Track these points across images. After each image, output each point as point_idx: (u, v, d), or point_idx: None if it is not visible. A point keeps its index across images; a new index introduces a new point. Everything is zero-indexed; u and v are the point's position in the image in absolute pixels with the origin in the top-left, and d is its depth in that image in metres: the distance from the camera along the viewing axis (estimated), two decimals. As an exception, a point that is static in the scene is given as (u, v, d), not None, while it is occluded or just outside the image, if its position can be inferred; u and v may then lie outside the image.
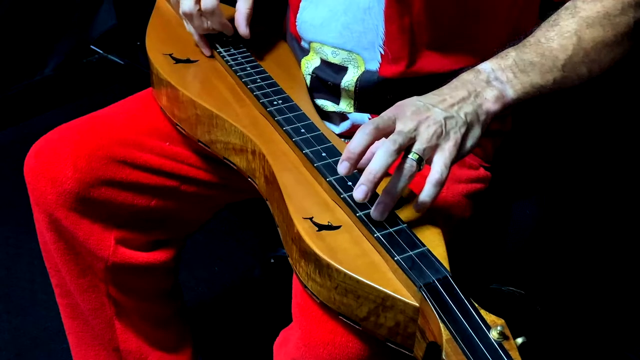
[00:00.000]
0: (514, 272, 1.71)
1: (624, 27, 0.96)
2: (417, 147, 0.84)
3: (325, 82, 1.11)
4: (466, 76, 0.91)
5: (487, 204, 1.18)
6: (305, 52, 1.14)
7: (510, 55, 0.92)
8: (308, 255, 0.83)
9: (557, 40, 0.94)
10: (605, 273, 1.70)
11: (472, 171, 1.12)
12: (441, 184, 0.84)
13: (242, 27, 1.13)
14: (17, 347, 1.64)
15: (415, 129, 0.84)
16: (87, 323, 1.25)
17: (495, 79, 0.90)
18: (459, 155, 0.86)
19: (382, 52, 1.06)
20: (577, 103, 1.44)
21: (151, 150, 1.15)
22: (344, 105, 1.12)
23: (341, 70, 1.09)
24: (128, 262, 1.18)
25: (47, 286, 1.27)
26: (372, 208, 0.84)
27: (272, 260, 1.69)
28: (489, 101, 0.89)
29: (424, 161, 0.84)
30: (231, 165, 1.07)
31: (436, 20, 1.04)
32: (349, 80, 1.08)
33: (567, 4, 0.98)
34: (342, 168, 0.84)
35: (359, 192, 0.83)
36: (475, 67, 0.92)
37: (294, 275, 0.91)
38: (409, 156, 0.83)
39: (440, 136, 0.85)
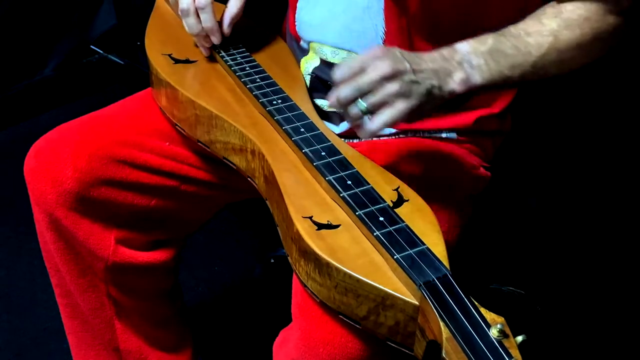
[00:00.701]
0: (514, 272, 1.70)
1: (602, 33, 0.98)
2: (372, 100, 0.88)
3: (325, 82, 1.11)
4: (445, 52, 0.94)
5: (487, 204, 1.18)
6: (305, 52, 1.14)
7: (487, 42, 0.95)
8: (308, 254, 0.83)
9: (535, 37, 0.96)
10: (605, 273, 1.70)
11: (472, 171, 1.13)
12: (373, 133, 0.90)
13: (225, 26, 1.14)
14: (17, 347, 1.64)
15: (382, 82, 0.88)
16: (87, 323, 1.25)
17: (467, 62, 0.93)
18: (403, 119, 0.90)
19: None
20: (577, 103, 1.44)
21: (151, 150, 1.15)
22: (344, 105, 1.12)
23: None
24: (128, 262, 1.18)
25: (47, 286, 1.27)
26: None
27: (272, 260, 1.69)
28: (455, 82, 0.92)
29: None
30: (231, 165, 1.07)
31: (434, 19, 1.04)
32: (349, 79, 1.08)
33: (553, 3, 0.99)
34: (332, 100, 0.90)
35: (343, 91, 0.89)
36: (454, 45, 0.95)
37: (294, 275, 0.91)
38: (358, 105, 0.89)
39: (401, 96, 0.88)
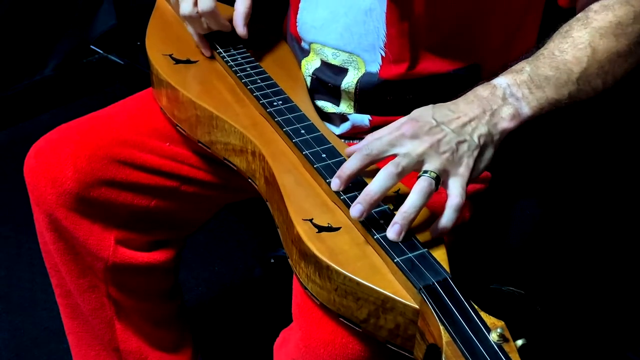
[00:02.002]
0: (514, 272, 1.70)
1: (636, 36, 0.94)
2: (431, 167, 0.83)
3: (326, 83, 1.11)
4: (482, 91, 0.90)
5: (487, 204, 1.18)
6: (306, 53, 1.14)
7: (525, 70, 0.91)
8: (308, 257, 0.83)
9: (571, 52, 0.92)
10: (605, 273, 1.70)
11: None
12: (461, 208, 0.83)
13: (240, 27, 1.13)
14: (17, 347, 1.64)
15: (425, 152, 0.83)
16: (87, 323, 1.25)
17: (511, 95, 0.89)
18: (471, 179, 0.86)
19: (383, 54, 1.05)
20: (577, 103, 1.44)
21: (151, 150, 1.15)
22: (344, 107, 1.11)
23: (341, 71, 1.09)
24: (128, 263, 1.18)
25: (47, 286, 1.27)
26: (388, 228, 0.82)
27: (272, 260, 1.69)
28: (505, 120, 0.88)
29: (440, 182, 0.84)
30: (231, 166, 1.06)
31: (437, 22, 1.03)
32: (349, 82, 1.08)
33: (579, 14, 0.96)
34: (334, 185, 0.86)
35: (355, 210, 0.82)
36: (491, 81, 0.91)
37: (294, 276, 0.91)
38: (426, 175, 0.83)
39: (453, 161, 0.84)
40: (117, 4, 2.42)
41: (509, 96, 0.89)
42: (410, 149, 0.84)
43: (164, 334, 1.33)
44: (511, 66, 0.93)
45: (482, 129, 0.87)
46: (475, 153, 0.86)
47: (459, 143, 0.85)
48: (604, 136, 1.54)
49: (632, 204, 1.62)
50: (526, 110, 0.89)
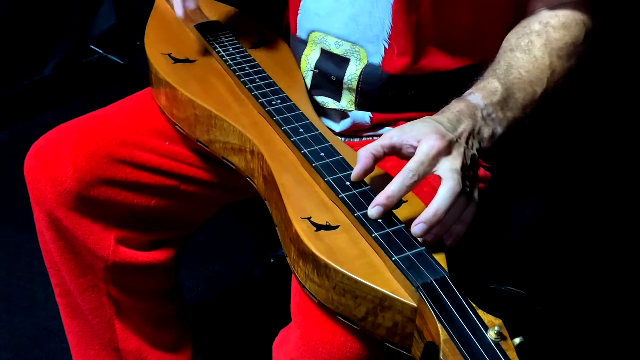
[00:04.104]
0: (514, 272, 1.71)
1: (583, 54, 1.01)
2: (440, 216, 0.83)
3: (329, 76, 1.11)
4: (466, 110, 0.91)
5: (487, 204, 1.18)
6: (304, 44, 1.14)
7: (498, 91, 0.94)
8: (306, 255, 0.83)
9: (535, 73, 0.97)
10: (605, 273, 1.70)
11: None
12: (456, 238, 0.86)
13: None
14: (17, 347, 1.64)
15: (437, 157, 0.84)
16: (87, 323, 1.25)
17: (488, 116, 0.92)
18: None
19: (387, 47, 1.06)
20: (577, 104, 1.44)
21: (151, 149, 1.15)
22: (345, 103, 1.12)
23: (343, 62, 1.09)
24: (128, 262, 1.18)
25: (47, 286, 1.27)
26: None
27: (272, 260, 1.69)
28: (485, 140, 0.92)
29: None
30: (230, 165, 1.07)
31: (444, 18, 1.04)
32: (352, 74, 1.08)
33: (538, 28, 1.01)
34: (375, 212, 0.84)
35: (375, 211, 0.83)
36: (468, 99, 0.93)
37: (293, 275, 0.91)
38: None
39: (474, 174, 0.86)
40: (117, 4, 2.42)
41: (486, 117, 0.92)
42: (424, 157, 0.84)
43: (164, 334, 1.33)
44: (480, 79, 0.96)
45: (477, 144, 0.89)
46: (475, 163, 0.88)
47: (466, 150, 0.87)
48: (603, 136, 1.54)
49: (632, 204, 1.62)
50: (499, 130, 0.93)
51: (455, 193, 0.82)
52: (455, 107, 0.91)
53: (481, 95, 0.93)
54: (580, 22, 1.01)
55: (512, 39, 1.02)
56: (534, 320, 1.63)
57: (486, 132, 0.91)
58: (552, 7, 1.02)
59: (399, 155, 0.88)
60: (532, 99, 0.96)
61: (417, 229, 0.81)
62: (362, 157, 0.87)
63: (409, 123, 0.89)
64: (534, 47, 0.99)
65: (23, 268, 1.83)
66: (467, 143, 0.87)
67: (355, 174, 0.88)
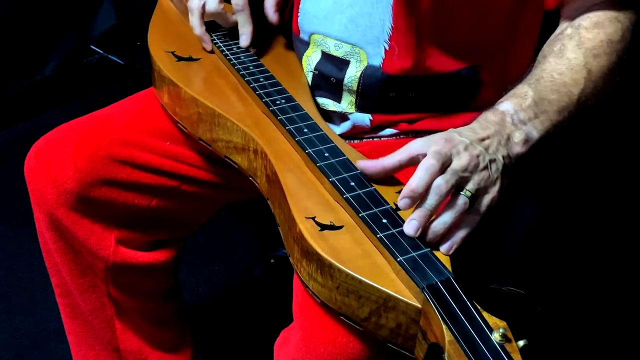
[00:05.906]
0: (514, 272, 1.71)
1: (624, 52, 0.98)
2: (471, 186, 0.84)
3: (328, 78, 1.11)
4: (492, 117, 0.91)
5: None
6: (305, 45, 1.14)
7: (528, 95, 0.93)
8: (310, 255, 0.83)
9: (569, 74, 0.95)
10: (605, 273, 1.71)
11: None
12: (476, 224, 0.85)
13: (271, 13, 1.14)
14: (17, 347, 1.64)
15: (467, 169, 0.84)
16: (87, 323, 1.25)
17: (520, 121, 0.91)
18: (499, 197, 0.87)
19: (387, 48, 1.05)
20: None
21: (151, 150, 1.15)
22: (345, 104, 1.11)
23: (343, 64, 1.09)
24: (128, 262, 1.18)
25: (47, 286, 1.27)
26: (406, 222, 0.83)
27: (272, 260, 1.69)
28: (518, 145, 0.90)
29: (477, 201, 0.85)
30: (232, 164, 1.06)
31: (445, 18, 1.03)
32: (352, 75, 1.08)
33: (569, 31, 1.00)
34: (404, 204, 0.83)
35: (411, 226, 0.82)
36: (497, 107, 0.93)
37: (295, 275, 0.91)
38: (462, 193, 0.84)
39: (489, 179, 0.86)
40: (117, 4, 2.42)
41: (517, 122, 0.91)
42: (457, 166, 0.84)
43: (164, 334, 1.33)
44: (511, 89, 0.96)
45: (503, 151, 0.89)
46: (504, 174, 0.87)
47: (491, 162, 0.86)
48: (604, 136, 1.54)
49: (632, 204, 1.62)
50: (534, 134, 0.92)
51: (430, 169, 0.81)
52: (483, 116, 0.92)
53: (511, 101, 0.93)
54: (613, 19, 0.99)
55: (545, 47, 1.01)
56: (534, 320, 1.63)
57: (517, 137, 0.90)
58: (583, 10, 1.00)
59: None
60: (569, 100, 0.94)
61: (402, 203, 0.83)
62: (399, 155, 0.87)
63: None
64: (566, 50, 0.98)
65: (23, 268, 1.83)
66: (486, 147, 0.87)
67: (389, 163, 0.88)
